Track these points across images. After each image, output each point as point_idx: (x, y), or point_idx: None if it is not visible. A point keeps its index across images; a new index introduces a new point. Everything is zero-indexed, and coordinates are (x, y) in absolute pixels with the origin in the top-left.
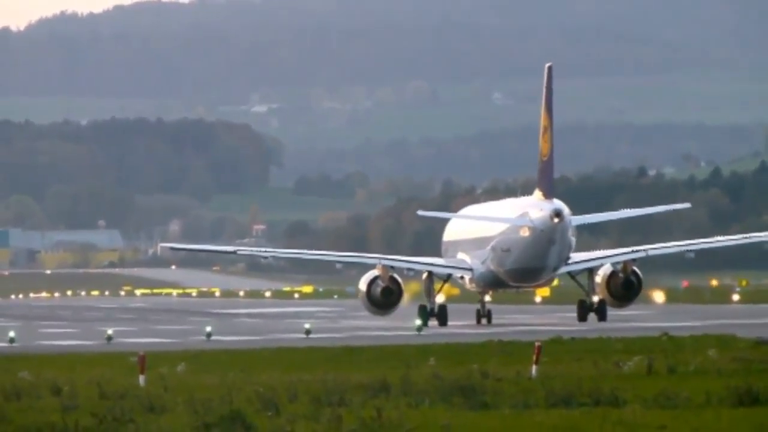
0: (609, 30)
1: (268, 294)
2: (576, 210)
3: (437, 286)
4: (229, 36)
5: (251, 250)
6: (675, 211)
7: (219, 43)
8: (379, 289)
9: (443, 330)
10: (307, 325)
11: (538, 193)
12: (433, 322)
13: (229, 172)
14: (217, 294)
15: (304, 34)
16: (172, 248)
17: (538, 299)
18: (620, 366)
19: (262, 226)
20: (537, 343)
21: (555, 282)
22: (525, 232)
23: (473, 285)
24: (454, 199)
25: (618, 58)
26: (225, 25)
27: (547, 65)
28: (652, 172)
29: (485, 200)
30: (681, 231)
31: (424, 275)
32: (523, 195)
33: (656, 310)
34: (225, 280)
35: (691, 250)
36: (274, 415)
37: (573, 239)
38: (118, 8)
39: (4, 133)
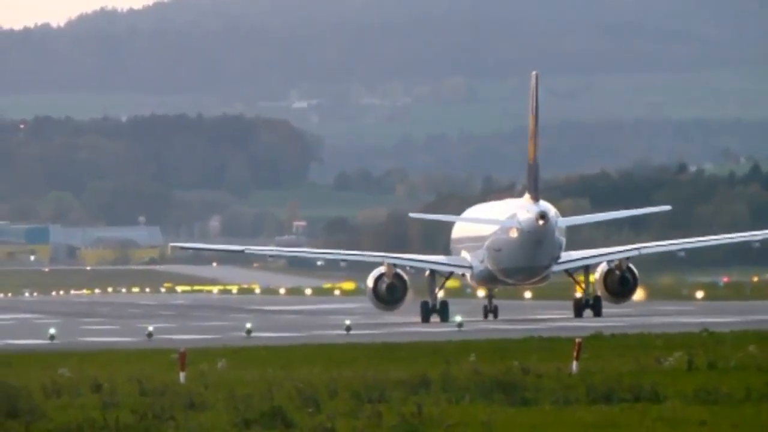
0: (648, 26)
1: (308, 291)
2: (617, 205)
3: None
4: (269, 32)
5: (260, 250)
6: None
7: (258, 39)
8: (384, 286)
9: (485, 326)
10: (347, 322)
11: (527, 196)
12: (435, 318)
13: (269, 168)
14: (258, 291)
15: (342, 29)
16: (182, 248)
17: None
18: (661, 362)
19: (302, 223)
20: (578, 340)
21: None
22: (513, 233)
23: (474, 282)
24: (494, 195)
25: (657, 54)
26: (264, 20)
27: (534, 73)
28: (692, 168)
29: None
30: (721, 226)
31: (427, 273)
32: (519, 196)
33: (697, 306)
34: (265, 277)
35: (683, 249)
36: (315, 411)
37: (563, 239)
38: (158, 4)
39: (44, 130)
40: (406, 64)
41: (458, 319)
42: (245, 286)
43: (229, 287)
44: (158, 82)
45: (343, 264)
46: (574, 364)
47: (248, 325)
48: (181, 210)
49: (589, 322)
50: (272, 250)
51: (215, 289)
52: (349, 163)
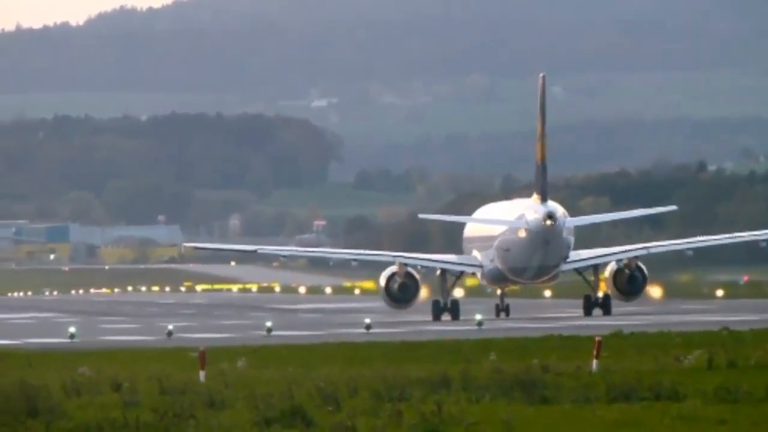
0: (667, 24)
1: (328, 290)
2: (636, 204)
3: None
4: (289, 30)
5: (273, 250)
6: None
7: (278, 37)
8: (396, 285)
9: (504, 324)
10: (367, 320)
11: (535, 196)
12: (446, 317)
13: (289, 167)
14: (278, 289)
15: (362, 28)
16: (195, 248)
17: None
18: (680, 360)
19: (322, 222)
20: (597, 338)
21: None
22: (522, 233)
23: (484, 281)
24: (515, 193)
25: (676, 52)
26: (283, 19)
27: (541, 75)
28: (712, 167)
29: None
30: (742, 225)
31: (438, 272)
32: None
33: (716, 304)
34: (285, 276)
35: (690, 249)
36: (335, 410)
37: (571, 238)
38: (178, 3)
39: (63, 129)
40: (425, 62)
41: (478, 317)
42: (265, 284)
43: (248, 286)
44: (178, 81)
45: (354, 264)
46: (594, 362)
47: (268, 324)
48: (201, 209)
49: (606, 321)
50: (284, 249)
51: (235, 287)
52: (369, 162)
